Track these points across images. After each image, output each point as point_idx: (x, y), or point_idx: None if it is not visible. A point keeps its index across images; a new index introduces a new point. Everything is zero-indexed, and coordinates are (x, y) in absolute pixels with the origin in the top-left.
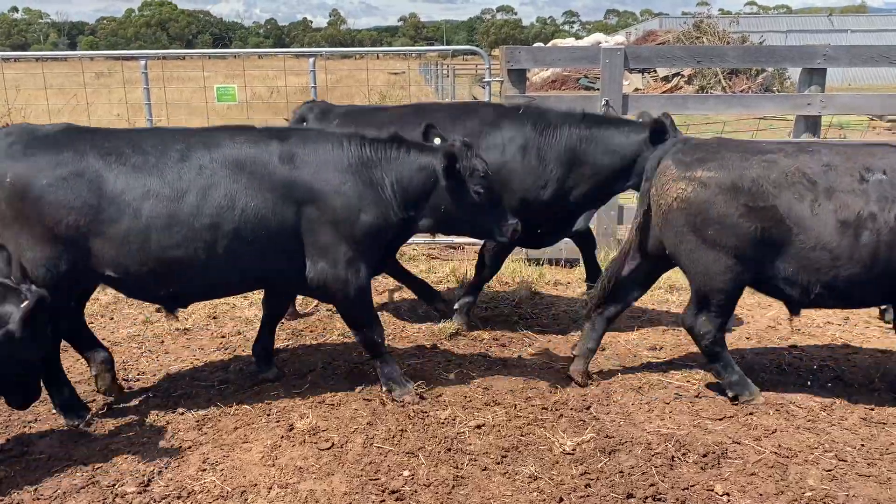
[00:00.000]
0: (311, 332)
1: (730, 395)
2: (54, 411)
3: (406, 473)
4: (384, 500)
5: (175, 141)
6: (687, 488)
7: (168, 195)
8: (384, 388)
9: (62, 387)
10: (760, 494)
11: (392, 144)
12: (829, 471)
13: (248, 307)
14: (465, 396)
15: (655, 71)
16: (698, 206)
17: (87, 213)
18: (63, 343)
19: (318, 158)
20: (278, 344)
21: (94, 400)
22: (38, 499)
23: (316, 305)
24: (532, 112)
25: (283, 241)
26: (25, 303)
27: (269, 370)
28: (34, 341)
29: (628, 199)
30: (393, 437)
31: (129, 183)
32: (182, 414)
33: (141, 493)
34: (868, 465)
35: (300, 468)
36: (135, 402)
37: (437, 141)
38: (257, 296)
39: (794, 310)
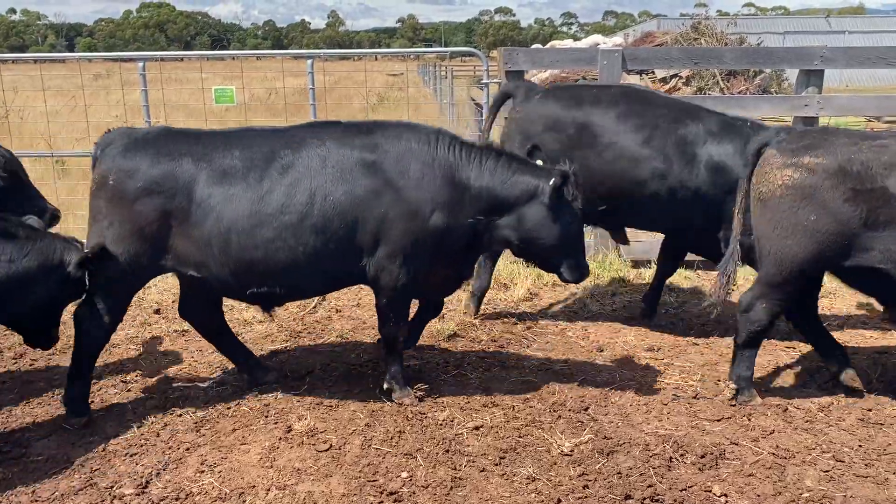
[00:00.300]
0: (309, 333)
1: (732, 387)
2: (52, 413)
3: (404, 475)
4: (382, 502)
5: (262, 143)
6: (685, 489)
7: (251, 199)
8: (385, 387)
9: (84, 383)
10: (758, 495)
11: (489, 153)
12: (827, 471)
13: (246, 309)
14: (464, 398)
15: (653, 72)
16: (803, 192)
17: (176, 215)
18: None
19: (400, 154)
20: (276, 346)
21: (93, 401)
22: (36, 500)
23: (314, 307)
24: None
25: (362, 237)
26: (79, 255)
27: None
28: (80, 287)
29: None
30: (391, 438)
31: (215, 188)
32: (180, 415)
33: (139, 494)
34: (866, 465)
35: (298, 470)
36: (133, 403)
37: (538, 162)
38: None
39: (890, 299)
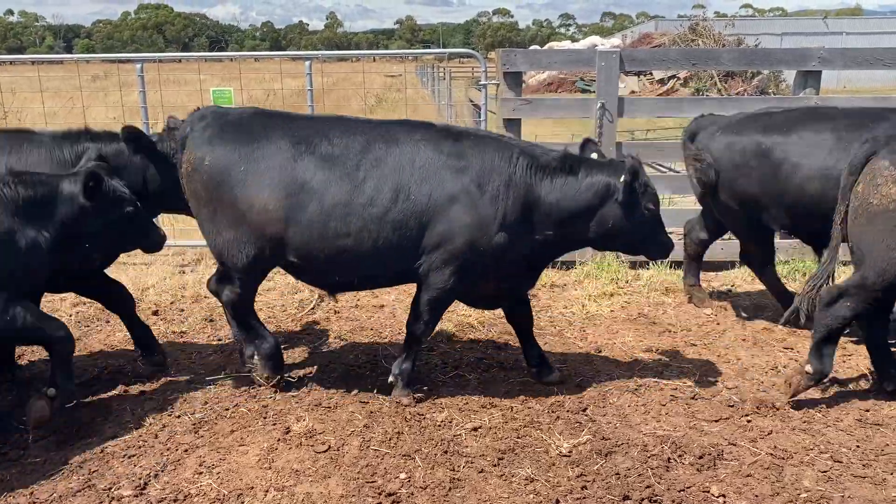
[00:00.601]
0: (307, 335)
1: (809, 370)
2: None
3: (402, 476)
4: (381, 503)
5: (357, 132)
6: (683, 490)
7: (348, 188)
8: (390, 380)
9: (262, 338)
10: (756, 496)
11: (559, 164)
12: (825, 472)
13: None
14: (462, 399)
15: (651, 73)
16: None
17: (277, 199)
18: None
19: (483, 167)
20: None
21: (90, 402)
22: (35, 502)
23: (312, 308)
24: None
25: (429, 238)
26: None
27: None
28: None
29: None
30: (389, 439)
31: (317, 172)
32: (178, 417)
33: (137, 496)
34: (863, 466)
35: (297, 471)
36: (131, 405)
37: (594, 156)
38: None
39: None
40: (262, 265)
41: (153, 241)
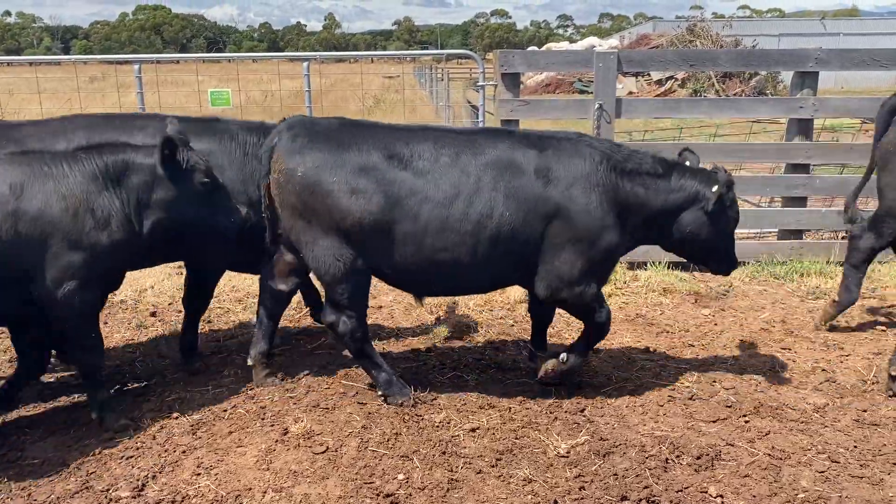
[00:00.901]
0: (305, 335)
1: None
2: (49, 416)
3: (400, 477)
4: None
5: (446, 144)
6: (681, 490)
7: (441, 200)
8: (549, 365)
9: (375, 364)
10: (754, 496)
11: (647, 165)
12: (822, 472)
13: (243, 311)
14: (460, 399)
15: (649, 74)
16: None
17: (370, 212)
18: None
19: (571, 175)
20: (272, 348)
21: (87, 403)
22: None
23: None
24: None
25: (525, 249)
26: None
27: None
28: None
29: None
30: (387, 440)
31: (410, 186)
32: (176, 418)
33: (135, 497)
34: (861, 466)
35: (295, 472)
36: (129, 406)
37: (687, 163)
38: (252, 300)
39: None
40: (361, 272)
41: (234, 220)
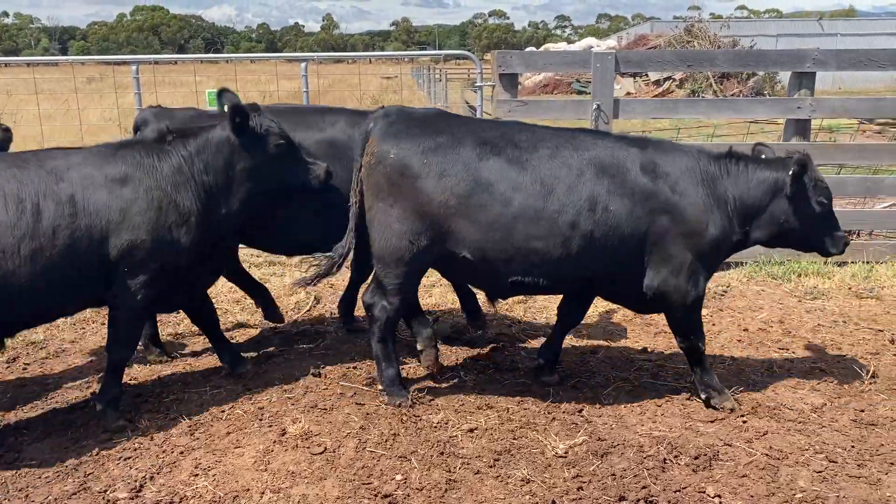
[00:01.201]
0: (303, 336)
1: None
2: (47, 417)
3: (398, 477)
4: None
5: (544, 139)
6: (679, 490)
7: (538, 189)
8: (703, 396)
9: (392, 363)
10: (752, 496)
11: (732, 159)
12: (820, 472)
13: (240, 312)
14: (458, 400)
15: (647, 75)
16: None
17: (458, 195)
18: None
19: (677, 170)
20: (270, 349)
21: (85, 405)
22: None
23: (308, 310)
24: None
25: (628, 246)
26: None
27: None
28: None
29: None
30: (385, 441)
31: (503, 173)
32: (174, 419)
33: (133, 498)
34: (858, 466)
35: (292, 473)
36: (127, 407)
37: (763, 156)
38: (249, 301)
39: None
40: (428, 258)
41: (315, 176)
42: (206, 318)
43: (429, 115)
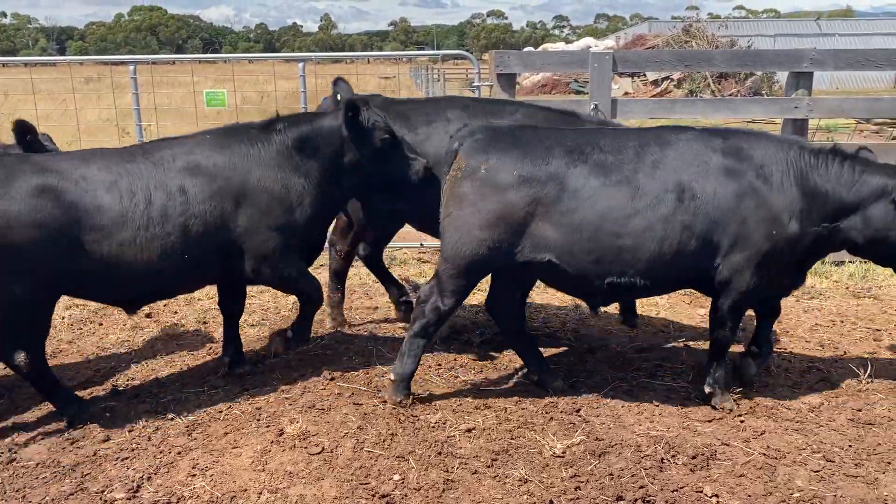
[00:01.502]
0: None
1: None
2: (44, 418)
3: (396, 477)
4: None
5: (627, 139)
6: (676, 490)
7: (625, 187)
8: (707, 391)
9: (415, 362)
10: (749, 496)
11: (835, 155)
12: (818, 472)
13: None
14: (456, 400)
15: (645, 75)
16: None
17: (547, 203)
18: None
19: (761, 159)
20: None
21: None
22: None
23: None
24: None
25: (720, 238)
26: None
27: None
28: None
29: None
30: (383, 441)
31: (591, 178)
32: (171, 419)
33: (130, 499)
34: (856, 465)
35: (290, 473)
36: (124, 407)
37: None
38: (246, 301)
39: None
40: (500, 263)
41: (415, 171)
42: (236, 307)
43: (514, 127)
